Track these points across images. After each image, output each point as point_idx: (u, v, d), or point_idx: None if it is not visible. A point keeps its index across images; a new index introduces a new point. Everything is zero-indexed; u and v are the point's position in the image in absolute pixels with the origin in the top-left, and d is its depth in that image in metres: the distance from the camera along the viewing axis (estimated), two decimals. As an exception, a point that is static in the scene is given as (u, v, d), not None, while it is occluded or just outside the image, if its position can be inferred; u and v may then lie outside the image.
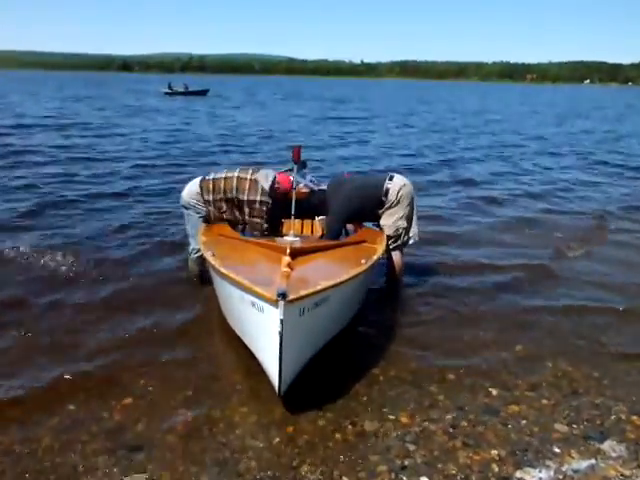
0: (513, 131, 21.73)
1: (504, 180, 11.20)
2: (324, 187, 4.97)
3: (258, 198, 4.52)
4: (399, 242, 4.81)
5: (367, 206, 4.75)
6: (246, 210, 4.60)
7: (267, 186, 4.54)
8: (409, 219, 4.82)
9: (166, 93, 43.12)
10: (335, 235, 4.70)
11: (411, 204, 4.82)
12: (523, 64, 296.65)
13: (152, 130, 18.24)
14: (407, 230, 4.83)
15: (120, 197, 8.50)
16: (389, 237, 4.73)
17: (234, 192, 4.56)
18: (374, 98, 52.98)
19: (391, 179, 4.77)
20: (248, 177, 4.58)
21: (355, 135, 18.73)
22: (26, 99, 31.06)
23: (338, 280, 3.29)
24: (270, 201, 4.56)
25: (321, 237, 4.91)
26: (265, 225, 4.59)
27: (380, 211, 4.76)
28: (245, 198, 4.55)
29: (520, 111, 37.05)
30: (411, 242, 4.93)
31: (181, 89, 44.04)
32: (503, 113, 33.92)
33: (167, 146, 14.57)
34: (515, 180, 11.24)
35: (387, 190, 4.70)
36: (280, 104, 37.59)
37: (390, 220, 4.74)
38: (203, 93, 45.78)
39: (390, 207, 4.72)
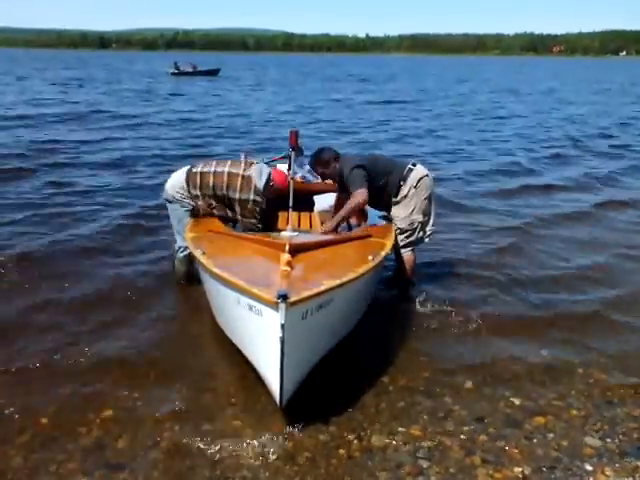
0: None
1: None
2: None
3: (251, 197, 4.52)
4: (413, 238, 4.79)
5: (384, 183, 4.72)
6: (237, 209, 4.59)
7: (261, 185, 4.53)
8: (426, 214, 4.82)
9: (173, 74, 43.09)
10: (363, 180, 4.53)
11: (430, 198, 4.82)
12: (549, 35, 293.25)
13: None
14: (423, 225, 4.82)
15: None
16: (402, 231, 4.72)
17: (224, 189, 4.55)
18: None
19: (414, 165, 4.83)
20: (240, 173, 4.56)
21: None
22: (13, 82, 30.59)
23: (344, 279, 3.27)
24: (264, 200, 4.57)
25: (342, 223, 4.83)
26: (260, 225, 4.61)
27: (395, 199, 4.75)
28: (237, 197, 4.54)
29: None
30: (426, 240, 4.93)
31: (189, 69, 44.11)
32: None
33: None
34: None
35: (407, 175, 4.73)
36: (309, 84, 37.03)
37: (405, 211, 4.73)
38: (214, 73, 45.59)
39: (406, 196, 4.71)
